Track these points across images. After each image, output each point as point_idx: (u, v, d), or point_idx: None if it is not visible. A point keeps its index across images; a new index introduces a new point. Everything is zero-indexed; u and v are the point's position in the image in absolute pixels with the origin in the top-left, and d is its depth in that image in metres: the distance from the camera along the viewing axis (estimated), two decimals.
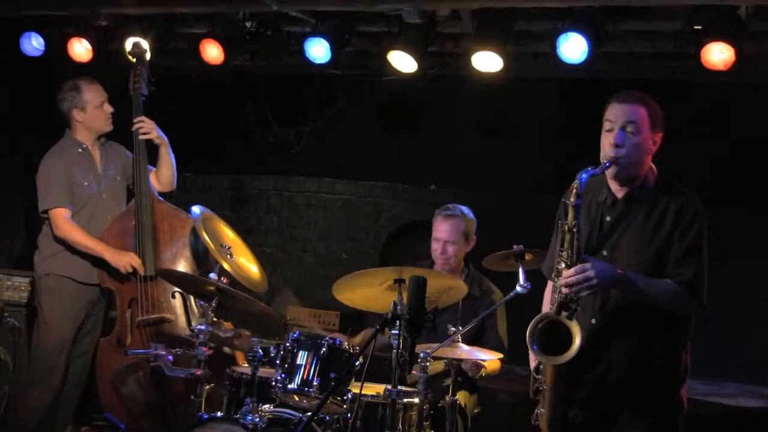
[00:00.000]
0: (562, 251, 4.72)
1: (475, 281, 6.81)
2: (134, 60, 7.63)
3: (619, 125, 4.79)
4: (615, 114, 4.83)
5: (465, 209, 6.87)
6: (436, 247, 6.83)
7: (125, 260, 7.13)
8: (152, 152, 7.53)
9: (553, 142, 6.80)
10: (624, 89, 4.93)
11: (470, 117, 9.32)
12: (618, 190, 4.90)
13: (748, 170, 8.28)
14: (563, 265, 4.69)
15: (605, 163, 4.77)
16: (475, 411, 6.81)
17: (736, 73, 7.14)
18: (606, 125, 4.85)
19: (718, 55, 7.02)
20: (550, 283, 4.94)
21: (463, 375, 6.39)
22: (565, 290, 4.65)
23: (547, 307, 4.92)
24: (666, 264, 4.75)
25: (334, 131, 10.07)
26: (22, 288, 8.17)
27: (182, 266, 7.37)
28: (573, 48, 7.38)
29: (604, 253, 4.84)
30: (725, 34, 6.98)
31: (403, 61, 8.14)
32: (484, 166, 9.23)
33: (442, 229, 6.80)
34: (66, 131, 7.45)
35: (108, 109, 7.43)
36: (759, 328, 8.12)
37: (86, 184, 7.32)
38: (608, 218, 4.89)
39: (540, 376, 4.86)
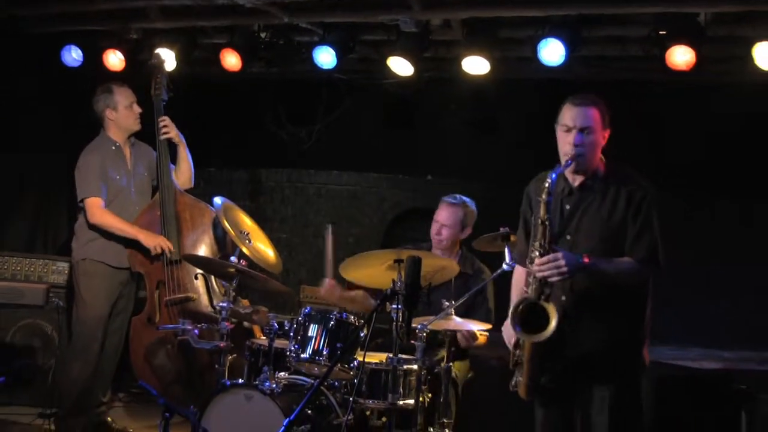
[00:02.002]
0: (535, 242, 4.76)
1: (467, 261, 6.80)
2: (154, 69, 7.59)
3: (577, 128, 4.80)
4: (572, 117, 4.84)
5: (469, 201, 6.85)
6: (434, 227, 6.82)
7: (156, 241, 7.14)
8: (172, 152, 7.54)
9: (535, 136, 6.74)
10: (597, 89, 4.97)
11: (461, 115, 9.33)
12: (573, 180, 4.93)
13: (711, 157, 8.26)
14: (537, 254, 4.73)
15: (567, 162, 4.81)
16: (469, 376, 6.81)
17: (697, 73, 7.16)
18: (563, 126, 4.86)
19: (680, 57, 7.03)
20: (518, 268, 4.95)
21: (456, 345, 6.40)
22: (538, 276, 4.69)
23: (516, 289, 4.95)
24: (623, 242, 4.79)
25: (341, 129, 10.07)
26: (65, 272, 8.18)
27: (203, 251, 7.36)
28: (552, 52, 7.38)
29: (568, 237, 4.88)
30: (687, 39, 7.00)
31: (401, 66, 8.14)
32: (474, 158, 9.23)
33: (441, 214, 6.80)
34: (101, 130, 7.43)
35: (137, 109, 7.40)
36: (718, 300, 8.10)
37: (117, 178, 7.31)
38: (567, 206, 4.92)
39: (518, 351, 4.88)
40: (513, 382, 4.95)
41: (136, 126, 7.41)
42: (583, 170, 4.87)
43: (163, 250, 7.15)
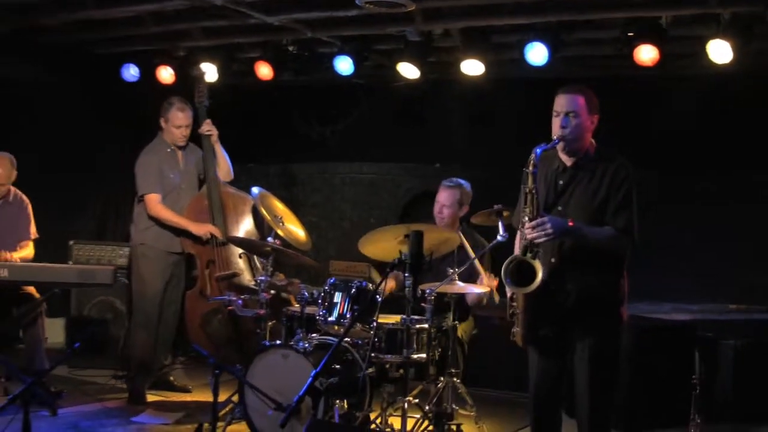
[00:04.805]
0: (525, 208, 4.73)
1: (468, 235, 6.80)
2: (196, 80, 7.61)
3: (563, 112, 4.79)
4: (561, 104, 4.82)
5: (464, 182, 6.82)
6: (435, 207, 6.81)
7: (205, 229, 7.16)
8: None
9: (525, 126, 6.73)
10: (573, 85, 4.91)
11: (462, 110, 9.28)
12: (567, 160, 4.89)
13: (674, 139, 8.25)
14: (527, 219, 4.71)
15: (555, 140, 4.79)
16: (473, 333, 6.82)
17: (661, 68, 7.18)
18: (554, 112, 4.84)
19: (646, 54, 7.05)
20: (519, 232, 4.95)
21: (461, 306, 6.41)
22: (528, 237, 4.68)
23: (517, 250, 4.92)
24: (606, 214, 4.76)
25: (360, 126, 10.03)
26: (128, 255, 8.24)
27: (245, 233, 7.36)
28: (537, 54, 7.41)
29: (559, 208, 4.85)
30: (651, 39, 7.00)
31: (409, 70, 8.18)
32: (474, 147, 9.19)
33: (441, 195, 6.78)
34: (159, 133, 7.43)
35: (184, 131, 7.33)
36: (689, 261, 8.08)
37: (172, 176, 7.31)
38: (561, 182, 4.88)
39: (514, 303, 4.87)
40: (511, 333, 4.92)
41: (179, 143, 7.36)
42: (573, 150, 4.83)
43: (211, 235, 7.18)
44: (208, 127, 7.37)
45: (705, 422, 5.58)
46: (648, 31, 7.00)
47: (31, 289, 7.20)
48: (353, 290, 6.05)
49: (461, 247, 6.40)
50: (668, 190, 8.14)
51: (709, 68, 7.10)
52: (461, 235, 6.47)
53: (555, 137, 4.79)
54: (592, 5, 6.92)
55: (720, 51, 6.84)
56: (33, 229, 7.49)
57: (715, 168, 8.24)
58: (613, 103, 5.26)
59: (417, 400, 6.07)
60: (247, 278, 7.24)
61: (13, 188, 7.42)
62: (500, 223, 6.16)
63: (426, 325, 5.96)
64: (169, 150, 7.38)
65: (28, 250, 7.36)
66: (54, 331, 8.14)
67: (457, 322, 6.21)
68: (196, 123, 7.41)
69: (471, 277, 6.46)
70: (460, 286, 6.14)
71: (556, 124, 4.82)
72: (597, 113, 4.87)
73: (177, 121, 7.29)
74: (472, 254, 6.39)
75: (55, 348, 7.99)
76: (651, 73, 7.48)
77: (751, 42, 6.83)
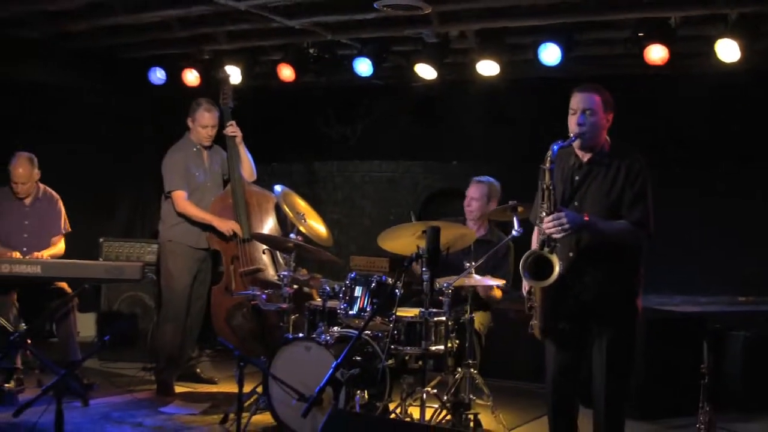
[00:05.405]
0: (542, 203, 4.72)
1: (494, 232, 6.86)
2: (221, 82, 7.60)
3: (580, 110, 4.78)
4: (577, 101, 4.81)
5: (493, 180, 6.88)
6: (465, 201, 6.87)
7: (228, 225, 7.15)
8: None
9: (539, 125, 6.78)
10: (589, 83, 4.89)
11: (478, 109, 9.26)
12: (583, 156, 4.88)
13: (684, 135, 8.23)
14: (544, 214, 4.69)
15: (572, 137, 4.77)
16: (490, 325, 6.80)
17: (670, 67, 7.17)
18: (571, 110, 4.83)
19: (656, 54, 7.03)
20: (536, 228, 4.93)
21: (478, 299, 6.41)
22: (546, 232, 4.67)
23: (534, 245, 4.90)
24: (621, 208, 4.75)
25: (379, 126, 10.05)
26: (156, 252, 8.29)
27: (268, 230, 7.36)
28: (550, 55, 7.39)
29: (575, 203, 4.84)
30: (661, 39, 6.98)
31: (426, 71, 8.17)
32: (490, 145, 9.19)
33: (471, 190, 6.86)
34: (186, 133, 7.45)
35: (210, 132, 7.34)
36: (700, 254, 8.06)
37: (197, 174, 7.33)
38: (577, 177, 4.88)
39: (531, 296, 4.86)
40: (529, 326, 4.90)
41: (205, 143, 7.37)
42: (589, 146, 4.82)
43: (234, 232, 7.19)
44: (232, 129, 7.37)
45: (714, 410, 5.55)
46: (658, 31, 6.98)
47: (63, 285, 7.24)
48: (373, 284, 6.07)
49: (478, 241, 6.43)
50: (679, 185, 8.10)
51: (717, 67, 7.06)
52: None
53: (572, 134, 4.77)
54: (603, 7, 6.90)
55: (728, 50, 6.82)
56: (64, 223, 7.54)
57: (725, 164, 8.22)
58: (625, 101, 5.23)
59: (435, 391, 6.05)
60: (270, 273, 7.22)
61: (42, 185, 7.46)
62: (515, 219, 6.18)
63: (444, 318, 5.96)
64: (195, 149, 7.39)
65: (59, 247, 7.42)
66: (85, 325, 8.19)
67: (473, 314, 6.20)
68: (221, 124, 7.41)
69: (495, 270, 6.49)
70: (477, 279, 6.13)
71: (572, 121, 4.81)
72: (612, 111, 4.86)
73: (204, 120, 7.31)
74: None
75: (86, 341, 8.03)
76: (661, 72, 7.46)
77: (758, 41, 6.82)
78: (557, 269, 4.61)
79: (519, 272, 4.80)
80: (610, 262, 4.76)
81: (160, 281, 7.72)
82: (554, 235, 4.65)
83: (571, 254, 4.80)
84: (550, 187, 4.69)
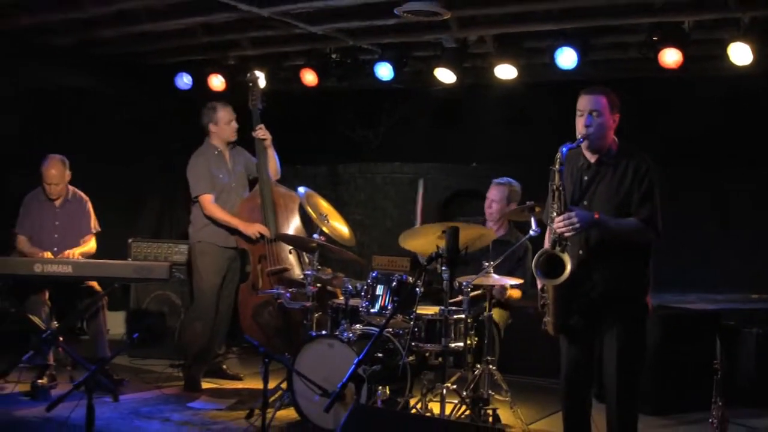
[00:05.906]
0: (553, 204, 4.78)
1: (513, 233, 6.90)
2: (250, 84, 7.64)
3: (587, 111, 4.82)
4: (584, 103, 4.86)
5: (513, 181, 6.93)
6: (486, 203, 6.93)
7: (254, 229, 7.20)
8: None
9: (556, 127, 6.77)
10: (596, 85, 4.92)
11: (497, 113, 9.29)
12: (591, 157, 4.93)
13: (698, 137, 8.28)
14: (555, 214, 4.75)
15: (579, 139, 4.82)
16: (508, 322, 6.84)
17: (684, 70, 7.19)
18: (578, 112, 4.87)
19: (670, 57, 7.06)
20: (549, 228, 4.99)
21: (495, 297, 6.48)
22: (557, 231, 4.73)
23: (547, 244, 4.97)
24: (629, 207, 4.80)
25: (400, 129, 10.10)
26: (184, 252, 8.42)
27: (294, 229, 7.41)
28: (567, 58, 7.45)
29: (585, 203, 4.89)
30: (675, 43, 7.01)
31: (446, 75, 8.24)
32: (508, 147, 9.23)
33: (492, 192, 6.92)
34: (205, 139, 7.53)
35: (234, 125, 7.46)
36: (714, 253, 8.09)
37: (221, 176, 7.39)
38: (585, 178, 4.93)
39: (545, 294, 4.91)
40: (543, 322, 4.95)
41: (232, 138, 7.48)
42: (596, 148, 4.85)
43: (261, 234, 7.25)
44: (262, 132, 7.42)
45: (727, 406, 5.60)
46: (672, 35, 7.01)
47: (94, 284, 7.36)
48: (394, 283, 6.14)
49: (497, 241, 6.50)
50: (693, 187, 8.14)
51: (731, 70, 7.10)
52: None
53: (579, 136, 4.83)
54: (618, 11, 6.94)
55: (740, 53, 6.85)
56: (94, 223, 7.66)
57: (738, 164, 8.24)
58: (640, 104, 5.27)
59: (455, 387, 6.12)
60: (296, 273, 7.27)
61: (71, 187, 7.60)
62: (533, 219, 6.21)
63: (463, 316, 6.03)
64: (216, 152, 7.47)
65: (90, 245, 7.55)
66: (115, 323, 8.27)
67: (492, 312, 6.26)
68: (250, 126, 7.47)
69: (513, 272, 6.56)
70: (495, 278, 6.19)
71: (579, 123, 4.86)
72: (618, 112, 4.89)
73: (226, 116, 7.43)
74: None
75: (115, 339, 8.11)
76: (675, 75, 7.47)
77: None
78: (569, 268, 4.66)
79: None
80: (619, 259, 4.80)
81: (191, 281, 7.82)
82: (565, 234, 4.70)
83: (581, 252, 4.85)
84: (560, 188, 4.74)
